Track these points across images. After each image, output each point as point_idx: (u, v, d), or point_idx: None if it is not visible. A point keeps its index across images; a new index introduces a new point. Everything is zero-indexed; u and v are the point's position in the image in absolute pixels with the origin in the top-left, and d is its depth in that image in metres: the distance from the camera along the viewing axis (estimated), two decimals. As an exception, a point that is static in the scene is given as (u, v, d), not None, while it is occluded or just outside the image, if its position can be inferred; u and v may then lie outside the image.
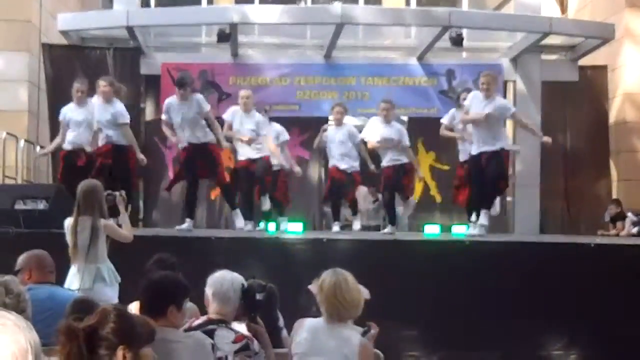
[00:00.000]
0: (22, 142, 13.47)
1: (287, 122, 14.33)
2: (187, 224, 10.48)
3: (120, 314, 3.08)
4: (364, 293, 4.83)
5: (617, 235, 12.95)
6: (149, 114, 14.98)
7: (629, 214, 13.10)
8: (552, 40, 14.69)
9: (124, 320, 3.05)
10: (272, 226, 11.70)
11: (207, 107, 10.62)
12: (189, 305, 4.66)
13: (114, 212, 7.63)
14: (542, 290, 9.11)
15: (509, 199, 15.13)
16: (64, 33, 14.24)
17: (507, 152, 10.57)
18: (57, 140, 11.22)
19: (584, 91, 15.23)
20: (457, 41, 13.84)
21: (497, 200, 11.26)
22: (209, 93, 14.17)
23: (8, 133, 12.97)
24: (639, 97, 15.02)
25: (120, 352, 2.93)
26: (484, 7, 18.46)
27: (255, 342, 4.71)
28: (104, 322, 2.96)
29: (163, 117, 10.75)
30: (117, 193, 7.59)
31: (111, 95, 10.44)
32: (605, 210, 13.74)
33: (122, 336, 2.98)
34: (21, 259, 5.76)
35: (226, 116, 11.15)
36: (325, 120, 14.73)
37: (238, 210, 10.89)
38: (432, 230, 12.05)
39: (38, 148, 14.07)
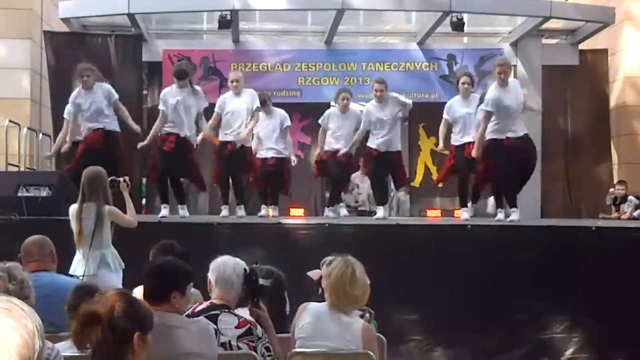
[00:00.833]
0: (24, 130, 13.49)
1: (288, 108, 14.36)
2: (163, 210, 10.55)
3: (132, 300, 3.13)
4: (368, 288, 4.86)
5: (619, 218, 12.98)
6: (150, 100, 14.99)
7: (630, 197, 13.12)
8: (552, 24, 14.66)
9: (136, 306, 3.10)
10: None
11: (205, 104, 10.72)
12: (192, 291, 4.70)
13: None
14: (543, 273, 9.15)
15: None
16: (66, 20, 14.24)
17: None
18: (60, 136, 11.16)
19: (584, 75, 15.23)
20: (458, 26, 13.81)
21: (491, 199, 11.29)
22: (211, 80, 14.20)
23: (10, 121, 12.99)
24: (639, 81, 15.02)
25: (136, 338, 2.97)
26: (485, -9, 18.44)
27: (259, 327, 4.72)
28: (118, 307, 3.00)
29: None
30: (120, 179, 7.63)
31: (93, 82, 10.45)
32: (607, 193, 13.72)
33: (137, 322, 3.03)
34: (23, 245, 5.81)
35: (217, 108, 11.05)
36: (327, 105, 14.80)
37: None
38: (433, 215, 12.06)
39: (40, 135, 14.10)
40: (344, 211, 11.69)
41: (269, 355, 4.67)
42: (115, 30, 14.68)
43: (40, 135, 14.16)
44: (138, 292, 4.55)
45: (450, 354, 9.21)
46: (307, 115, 14.73)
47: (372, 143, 11.06)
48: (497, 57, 11.19)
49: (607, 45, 15.31)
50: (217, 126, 11.03)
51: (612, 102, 15.34)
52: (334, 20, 13.77)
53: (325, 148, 11.44)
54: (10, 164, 12.89)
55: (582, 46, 15.23)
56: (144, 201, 14.48)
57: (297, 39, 15.63)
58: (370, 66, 14.79)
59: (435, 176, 14.78)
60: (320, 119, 11.62)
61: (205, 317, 4.54)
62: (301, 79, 14.74)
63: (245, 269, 4.91)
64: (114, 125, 10.57)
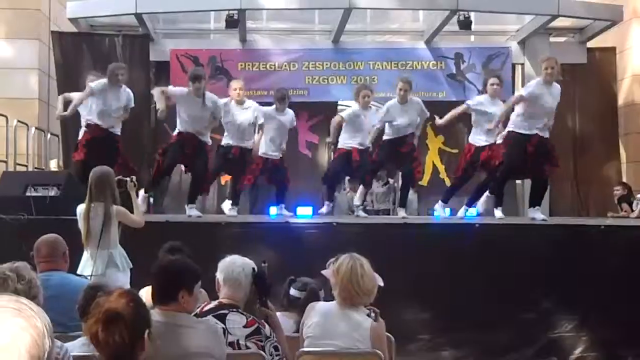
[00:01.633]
0: (32, 130, 13.52)
1: (296, 107, 14.36)
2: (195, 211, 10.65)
3: (139, 299, 3.16)
4: (378, 280, 4.87)
5: (627, 217, 12.95)
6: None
7: (638, 196, 13.08)
8: (560, 22, 14.65)
9: (144, 304, 3.13)
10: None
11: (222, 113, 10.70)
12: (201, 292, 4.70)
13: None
14: (552, 272, 9.14)
15: (518, 182, 15.13)
16: (73, 21, 14.28)
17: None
18: (79, 97, 10.83)
19: (592, 73, 15.20)
20: (466, 24, 13.80)
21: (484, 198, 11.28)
22: (218, 79, 14.21)
23: (19, 121, 13.01)
24: (648, 79, 15.01)
25: (147, 336, 3.00)
26: (492, -10, 18.42)
27: (267, 326, 4.73)
28: (133, 306, 3.02)
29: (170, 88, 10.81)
30: (128, 179, 7.64)
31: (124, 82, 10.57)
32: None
33: (147, 320, 3.06)
34: (35, 244, 5.83)
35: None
36: (334, 104, 14.80)
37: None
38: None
39: (49, 135, 14.14)
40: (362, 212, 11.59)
41: (277, 355, 4.68)
42: (122, 30, 14.72)
43: (49, 135, 14.20)
44: (144, 292, 4.56)
45: (459, 353, 9.20)
46: (314, 114, 14.76)
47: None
48: (544, 55, 11.06)
49: (615, 43, 15.29)
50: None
51: (621, 100, 15.31)
52: (341, 19, 13.77)
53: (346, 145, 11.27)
54: (18, 164, 12.92)
55: (590, 44, 15.21)
56: (150, 200, 14.49)
57: (305, 38, 15.65)
58: (378, 65, 14.79)
59: (443, 175, 14.82)
60: (345, 115, 11.32)
61: (213, 316, 4.56)
62: (309, 78, 14.75)
63: (253, 269, 4.91)
64: (119, 130, 10.64)
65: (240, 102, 10.93)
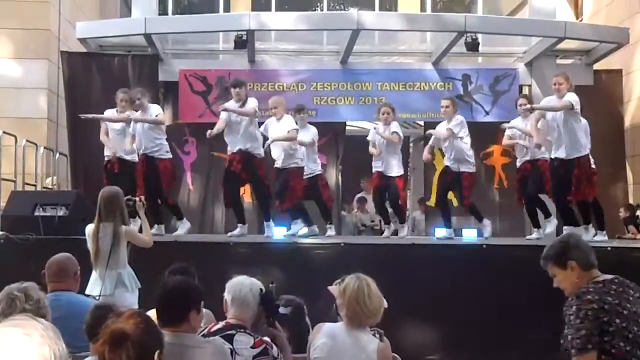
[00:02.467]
0: (41, 149, 13.58)
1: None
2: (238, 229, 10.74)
3: (150, 319, 3.17)
4: (383, 302, 4.89)
5: (634, 238, 12.95)
6: (167, 119, 15.05)
7: None
8: (567, 44, 14.70)
9: (154, 324, 3.14)
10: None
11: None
12: (204, 310, 4.71)
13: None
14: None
15: (525, 202, 15.16)
16: (83, 41, 14.35)
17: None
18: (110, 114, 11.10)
19: (599, 95, 15.19)
20: (473, 46, 13.86)
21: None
22: (227, 100, 14.25)
23: (28, 140, 13.07)
24: (654, 101, 15.03)
25: (157, 356, 3.00)
26: (498, 12, 18.53)
27: (274, 347, 4.73)
28: (142, 326, 3.03)
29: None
30: (136, 199, 7.68)
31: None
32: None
33: (157, 340, 3.06)
34: (47, 263, 5.85)
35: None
36: (342, 125, 14.85)
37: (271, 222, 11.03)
38: (469, 234, 11.99)
39: (57, 155, 14.19)
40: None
41: (284, 375, 4.69)
42: (131, 50, 14.77)
43: (57, 154, 14.25)
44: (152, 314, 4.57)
45: (466, 374, 9.18)
46: (323, 135, 14.76)
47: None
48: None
49: (622, 65, 15.32)
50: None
51: (627, 122, 15.32)
52: (350, 40, 13.83)
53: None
54: (27, 184, 12.96)
55: (596, 66, 15.24)
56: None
57: (313, 58, 15.72)
58: (386, 86, 14.83)
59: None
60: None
61: (221, 336, 4.57)
62: (317, 99, 14.79)
63: (261, 289, 4.93)
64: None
65: (279, 119, 11.12)
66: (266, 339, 4.77)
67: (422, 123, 15.44)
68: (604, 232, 10.58)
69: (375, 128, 11.65)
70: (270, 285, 5.19)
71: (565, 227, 10.44)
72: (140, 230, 7.66)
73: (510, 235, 13.04)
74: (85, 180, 13.65)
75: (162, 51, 14.70)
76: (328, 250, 9.64)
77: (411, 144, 17.40)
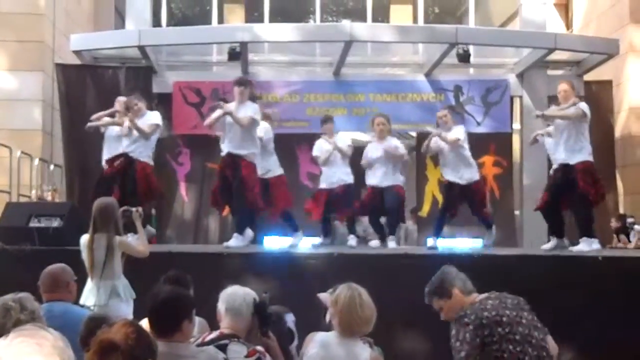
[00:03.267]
0: (36, 161, 13.63)
1: (297, 139, 14.50)
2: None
3: (142, 329, 3.21)
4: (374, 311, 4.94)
5: (625, 248, 13.02)
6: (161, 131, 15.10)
7: (636, 226, 13.17)
8: (557, 55, 14.80)
9: (146, 334, 3.18)
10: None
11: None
12: (198, 319, 4.75)
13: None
14: (550, 303, 9.16)
15: (516, 212, 15.23)
16: (77, 53, 14.41)
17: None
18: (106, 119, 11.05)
19: (589, 106, 15.23)
20: (464, 57, 13.95)
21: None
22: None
23: (23, 152, 13.12)
24: (644, 112, 15.12)
25: None
26: (490, 23, 18.62)
27: (268, 356, 4.76)
28: (132, 336, 3.07)
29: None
30: (134, 209, 7.71)
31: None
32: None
33: (149, 350, 3.10)
34: (41, 274, 5.90)
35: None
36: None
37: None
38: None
39: (52, 166, 14.24)
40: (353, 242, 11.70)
41: (278, 384, 4.73)
42: (125, 62, 14.83)
43: (52, 166, 14.31)
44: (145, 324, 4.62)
45: (458, 383, 9.20)
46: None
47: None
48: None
49: (612, 76, 15.42)
50: None
51: (617, 133, 15.41)
52: (342, 51, 13.92)
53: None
54: (22, 195, 13.00)
55: (587, 77, 15.33)
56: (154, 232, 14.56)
57: (306, 70, 15.78)
58: (378, 97, 14.92)
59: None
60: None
61: (214, 346, 4.57)
62: (310, 109, 14.87)
63: (254, 299, 4.97)
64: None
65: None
66: (260, 348, 4.77)
67: (414, 134, 15.54)
68: (597, 239, 10.59)
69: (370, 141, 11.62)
70: (264, 294, 5.23)
71: (551, 238, 10.55)
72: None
73: (503, 245, 13.11)
74: (80, 191, 13.70)
75: (156, 63, 14.77)
76: (321, 260, 9.67)
77: (404, 155, 17.43)
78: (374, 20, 17.72)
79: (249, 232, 10.43)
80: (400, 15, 19.60)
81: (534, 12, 15.30)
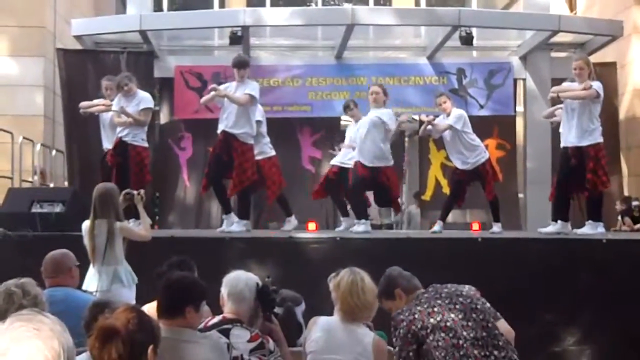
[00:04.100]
0: (38, 146, 13.61)
1: (299, 123, 14.47)
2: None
3: (144, 314, 3.18)
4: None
5: (630, 230, 13.00)
6: (162, 116, 15.09)
7: (635, 203, 13.19)
8: (561, 38, 14.73)
9: (148, 319, 3.16)
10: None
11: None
12: (205, 308, 4.73)
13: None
14: (555, 286, 9.15)
15: (520, 195, 15.19)
16: (78, 38, 14.37)
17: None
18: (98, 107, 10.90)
19: (594, 87, 15.24)
20: (467, 40, 13.88)
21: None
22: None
23: (24, 137, 13.10)
24: (649, 93, 15.05)
25: (150, 351, 3.02)
26: (493, 6, 18.55)
27: (271, 341, 4.75)
28: (133, 321, 3.05)
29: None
30: (135, 192, 7.68)
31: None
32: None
33: (151, 335, 3.08)
34: (44, 260, 5.89)
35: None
36: (337, 120, 14.86)
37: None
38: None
39: (54, 152, 14.23)
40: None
41: (280, 369, 4.72)
42: (127, 47, 14.78)
43: (54, 151, 14.29)
44: (147, 308, 4.60)
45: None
46: (318, 130, 14.84)
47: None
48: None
49: (616, 58, 15.36)
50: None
51: (622, 115, 15.36)
52: (344, 35, 13.86)
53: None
54: (24, 180, 12.99)
55: (591, 59, 15.22)
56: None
57: (308, 54, 15.74)
58: (380, 80, 14.81)
59: (445, 189, 14.82)
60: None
61: (217, 331, 4.59)
62: (312, 94, 14.82)
63: (257, 283, 4.96)
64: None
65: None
66: (262, 333, 4.78)
67: (417, 117, 15.48)
68: (602, 223, 10.50)
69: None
70: (267, 279, 5.22)
71: (552, 222, 10.45)
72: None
73: (507, 228, 13.08)
74: (81, 177, 13.69)
75: (157, 48, 14.72)
76: (324, 244, 9.66)
77: (406, 138, 17.42)
78: (376, 3, 17.66)
79: (233, 216, 10.45)
80: (402, -2, 19.52)
81: (537, -6, 15.22)
